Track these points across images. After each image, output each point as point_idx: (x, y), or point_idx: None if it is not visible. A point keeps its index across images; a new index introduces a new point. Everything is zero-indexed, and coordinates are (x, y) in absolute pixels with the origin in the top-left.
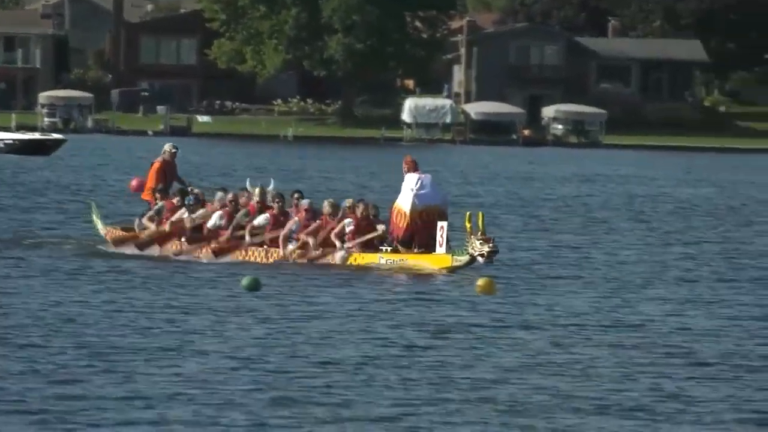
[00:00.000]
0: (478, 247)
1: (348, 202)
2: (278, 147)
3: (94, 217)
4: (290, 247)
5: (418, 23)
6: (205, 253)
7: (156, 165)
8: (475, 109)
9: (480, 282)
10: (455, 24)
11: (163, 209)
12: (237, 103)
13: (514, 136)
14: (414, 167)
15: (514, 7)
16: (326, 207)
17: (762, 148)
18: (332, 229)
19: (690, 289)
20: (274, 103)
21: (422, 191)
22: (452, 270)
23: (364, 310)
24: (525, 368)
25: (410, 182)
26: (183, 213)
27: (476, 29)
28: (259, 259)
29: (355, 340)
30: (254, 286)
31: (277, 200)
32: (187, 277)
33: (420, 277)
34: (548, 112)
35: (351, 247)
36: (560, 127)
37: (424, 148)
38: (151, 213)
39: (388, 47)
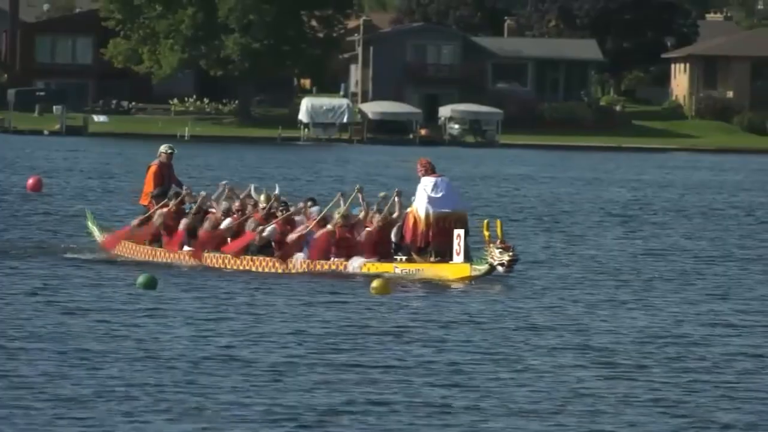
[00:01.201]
0: (497, 256)
1: (360, 212)
2: (175, 145)
3: (90, 224)
4: (300, 255)
5: (314, 23)
6: (213, 261)
7: (152, 168)
8: (372, 108)
9: (374, 283)
10: (352, 23)
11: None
12: (133, 103)
13: (411, 136)
14: (430, 170)
15: (410, 7)
16: (338, 217)
17: (657, 147)
18: (343, 237)
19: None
20: (171, 102)
21: (439, 195)
22: (471, 279)
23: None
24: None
25: (426, 186)
26: (187, 224)
27: (373, 29)
28: (267, 269)
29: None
30: (150, 284)
31: (281, 208)
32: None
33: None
34: (445, 111)
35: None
36: (457, 126)
37: (321, 148)
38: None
39: (284, 46)
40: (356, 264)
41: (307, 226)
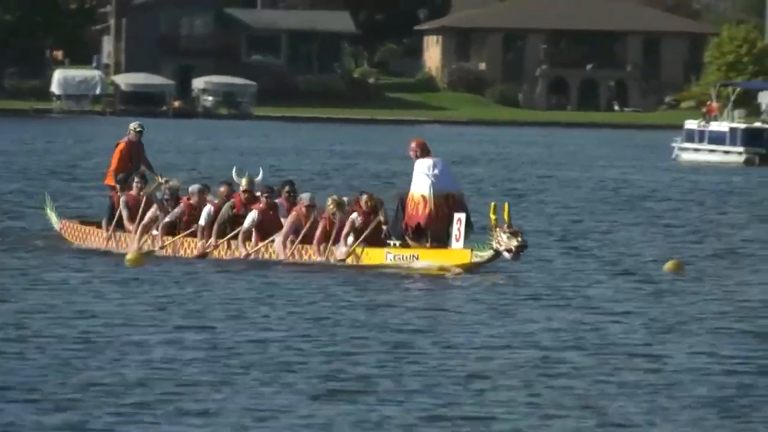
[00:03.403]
0: (504, 241)
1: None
2: None
3: (48, 210)
4: (277, 240)
5: None
6: (189, 252)
7: (119, 146)
8: (125, 80)
9: (128, 255)
10: None
11: (128, 204)
12: None
13: (165, 108)
14: (425, 151)
15: None
16: (330, 205)
17: (411, 120)
18: (340, 228)
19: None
20: None
21: (439, 176)
22: (472, 267)
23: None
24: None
25: (423, 167)
26: (154, 212)
27: (126, 0)
28: (244, 255)
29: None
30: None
31: (265, 194)
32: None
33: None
34: (198, 83)
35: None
36: (210, 98)
37: (74, 120)
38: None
39: (37, 17)
40: (342, 250)
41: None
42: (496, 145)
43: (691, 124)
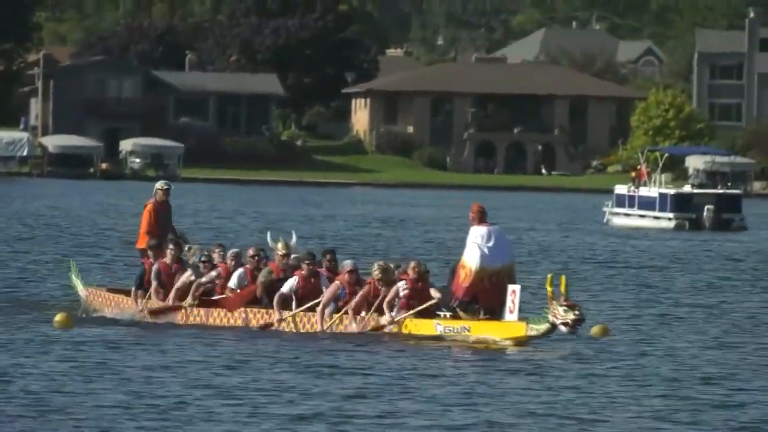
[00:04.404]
0: (561, 314)
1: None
2: None
3: (73, 277)
4: (328, 311)
5: None
6: (223, 320)
7: (148, 207)
8: (53, 141)
9: (57, 317)
10: (32, 57)
11: (161, 274)
12: None
13: (92, 170)
14: (481, 218)
15: (91, 41)
16: (376, 271)
17: (339, 182)
18: (384, 296)
19: None
20: None
21: (491, 247)
22: (526, 341)
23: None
24: None
25: (476, 235)
26: (189, 276)
27: (53, 62)
28: (287, 328)
29: None
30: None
31: (306, 260)
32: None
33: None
34: (126, 145)
35: (403, 317)
36: (138, 160)
37: (1, 181)
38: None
39: None
40: (387, 318)
41: (339, 284)
42: (427, 208)
43: (621, 189)
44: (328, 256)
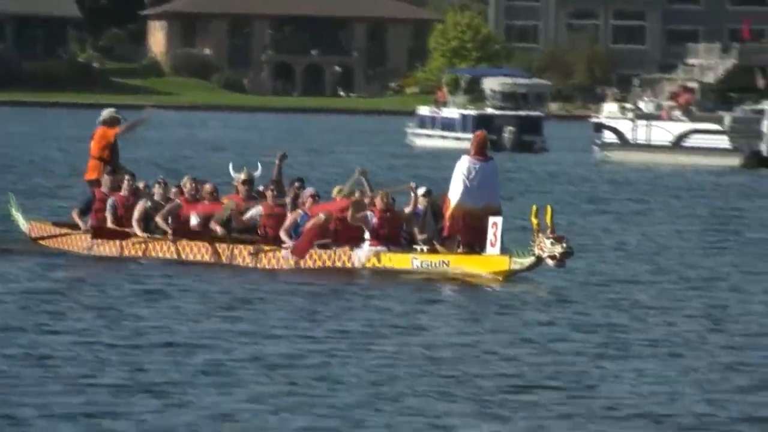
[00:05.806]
0: (548, 247)
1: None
2: None
3: (13, 211)
4: (289, 243)
5: None
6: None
7: (100, 132)
8: None
9: None
10: None
11: (116, 205)
12: None
13: None
14: (477, 149)
15: None
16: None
17: (135, 105)
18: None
19: None
20: None
21: (473, 184)
22: (510, 275)
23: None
24: None
25: (463, 168)
26: (146, 203)
27: None
28: (248, 262)
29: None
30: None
31: (271, 188)
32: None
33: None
34: None
35: (375, 247)
36: None
37: None
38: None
39: None
40: (363, 255)
41: (301, 212)
42: (228, 131)
43: (423, 110)
44: (296, 184)
